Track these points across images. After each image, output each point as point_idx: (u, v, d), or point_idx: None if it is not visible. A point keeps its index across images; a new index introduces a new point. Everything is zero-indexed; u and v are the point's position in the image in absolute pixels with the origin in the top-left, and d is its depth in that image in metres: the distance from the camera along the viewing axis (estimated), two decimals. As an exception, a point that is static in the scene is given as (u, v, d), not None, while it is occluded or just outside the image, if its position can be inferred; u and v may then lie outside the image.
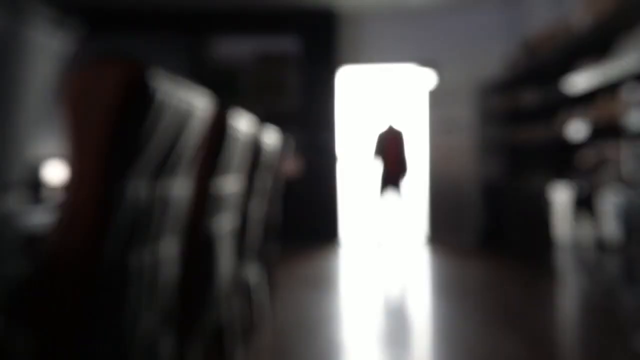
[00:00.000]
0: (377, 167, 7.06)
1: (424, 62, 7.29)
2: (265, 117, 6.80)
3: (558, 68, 5.31)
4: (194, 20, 7.21)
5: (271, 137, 2.77)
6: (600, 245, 4.03)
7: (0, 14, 0.74)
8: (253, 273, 2.76)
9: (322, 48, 7.22)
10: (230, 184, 1.82)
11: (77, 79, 0.94)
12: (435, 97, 7.16)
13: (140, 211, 1.06)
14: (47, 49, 0.90)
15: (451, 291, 4.18)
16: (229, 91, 7.19)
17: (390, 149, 7.00)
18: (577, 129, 4.76)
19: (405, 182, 7.00)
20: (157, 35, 7.17)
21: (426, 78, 7.39)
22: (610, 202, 3.89)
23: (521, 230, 5.67)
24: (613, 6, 3.94)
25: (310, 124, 7.20)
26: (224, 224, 1.81)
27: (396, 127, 7.04)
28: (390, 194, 7.01)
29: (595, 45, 4.66)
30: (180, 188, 1.28)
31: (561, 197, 4.64)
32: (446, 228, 7.01)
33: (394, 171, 6.96)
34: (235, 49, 7.25)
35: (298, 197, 7.02)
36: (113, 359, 1.04)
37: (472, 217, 7.07)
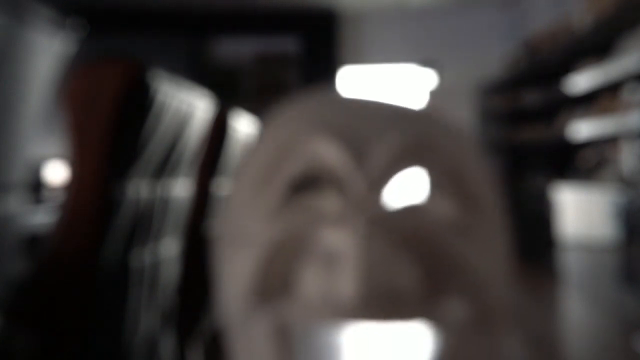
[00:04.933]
0: None
1: (425, 62, 7.29)
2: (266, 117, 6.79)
3: (559, 68, 5.31)
4: (194, 21, 7.21)
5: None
6: (601, 246, 4.03)
7: (0, 14, 0.74)
8: (254, 273, 2.75)
9: (322, 48, 7.21)
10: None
11: (78, 80, 0.94)
12: (436, 97, 7.15)
13: (141, 212, 1.06)
14: (47, 49, 0.90)
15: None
16: (229, 91, 7.19)
17: None
18: (578, 129, 4.75)
19: None
20: (157, 35, 7.17)
21: (427, 78, 7.39)
22: (610, 202, 3.89)
23: (522, 231, 5.67)
24: (614, 6, 3.94)
25: (310, 124, 7.19)
26: (225, 224, 1.81)
27: None
28: None
29: (596, 45, 4.65)
30: (180, 188, 1.28)
31: (563, 197, 4.64)
32: (447, 228, 7.01)
33: None
34: (236, 49, 7.25)
35: (299, 197, 7.00)
36: (113, 359, 1.04)
37: (473, 217, 7.06)
